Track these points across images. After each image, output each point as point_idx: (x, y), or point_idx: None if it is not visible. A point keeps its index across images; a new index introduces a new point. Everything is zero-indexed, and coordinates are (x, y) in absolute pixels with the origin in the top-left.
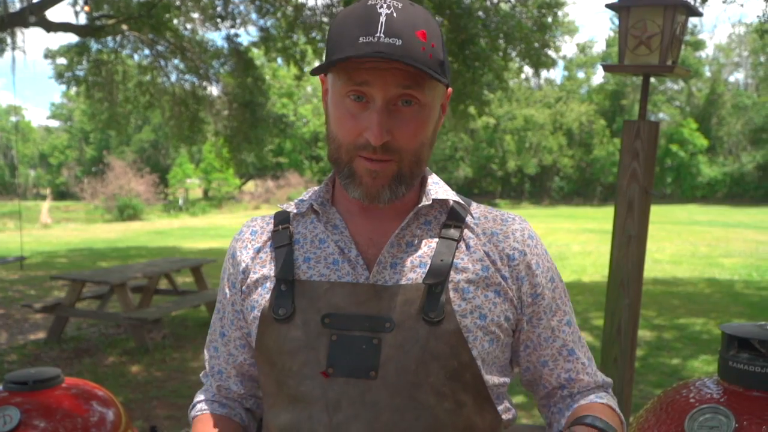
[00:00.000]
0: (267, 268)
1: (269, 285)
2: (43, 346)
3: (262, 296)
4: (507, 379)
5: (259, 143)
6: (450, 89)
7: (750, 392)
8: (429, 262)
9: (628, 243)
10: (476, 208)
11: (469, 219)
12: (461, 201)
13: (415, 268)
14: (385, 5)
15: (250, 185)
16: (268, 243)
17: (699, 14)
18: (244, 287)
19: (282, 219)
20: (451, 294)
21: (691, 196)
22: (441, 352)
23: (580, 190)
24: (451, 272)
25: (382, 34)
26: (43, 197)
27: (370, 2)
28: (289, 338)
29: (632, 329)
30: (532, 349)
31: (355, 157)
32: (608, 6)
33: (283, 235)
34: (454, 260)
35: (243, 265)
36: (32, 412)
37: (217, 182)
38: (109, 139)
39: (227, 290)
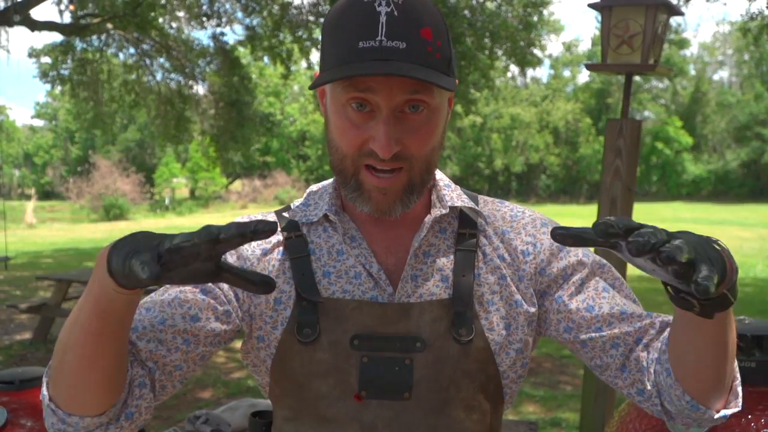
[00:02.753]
0: (282, 280)
1: (286, 300)
2: (29, 346)
3: (279, 312)
4: (523, 376)
5: (246, 142)
6: (456, 80)
7: None
8: (450, 275)
9: None
10: (484, 206)
11: (480, 222)
12: (471, 203)
13: (438, 282)
14: (384, 2)
15: (237, 184)
16: (279, 249)
17: (680, 13)
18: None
19: (291, 225)
20: (477, 308)
21: (677, 193)
22: (471, 369)
23: (567, 188)
24: (474, 285)
25: (383, 37)
26: (28, 197)
27: None
28: (316, 360)
29: None
30: (584, 325)
31: (361, 168)
32: (591, 6)
33: (298, 245)
34: (475, 272)
35: (247, 263)
36: (19, 411)
37: (204, 181)
38: (95, 138)
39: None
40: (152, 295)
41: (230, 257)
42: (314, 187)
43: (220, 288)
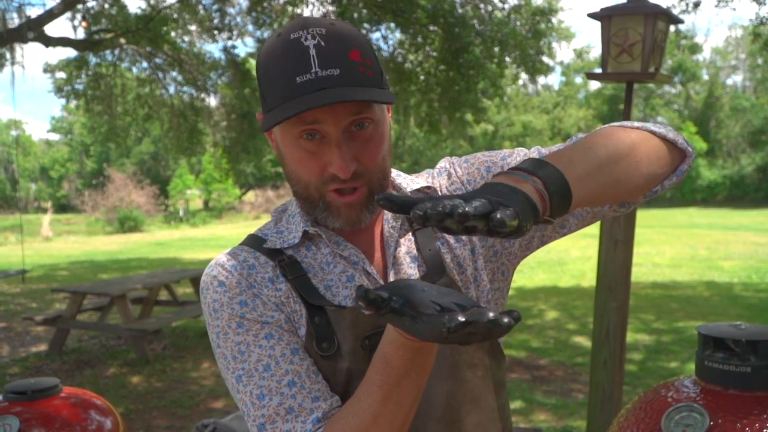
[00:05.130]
0: (291, 301)
1: (298, 319)
2: (45, 358)
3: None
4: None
5: (258, 153)
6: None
7: (726, 390)
8: (417, 254)
9: (615, 247)
10: (426, 186)
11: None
12: (423, 182)
13: (410, 263)
14: (309, 36)
15: (250, 195)
16: (278, 273)
17: (680, 21)
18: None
19: (274, 251)
20: (452, 274)
21: (691, 199)
22: None
23: None
24: (441, 255)
25: (317, 68)
26: (44, 210)
27: (292, 36)
28: (338, 370)
29: (620, 332)
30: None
31: (326, 192)
32: (590, 15)
33: (292, 265)
34: (438, 243)
35: (272, 300)
36: (31, 421)
37: (217, 193)
38: (109, 151)
39: (272, 312)
40: (265, 381)
41: (256, 296)
42: (279, 213)
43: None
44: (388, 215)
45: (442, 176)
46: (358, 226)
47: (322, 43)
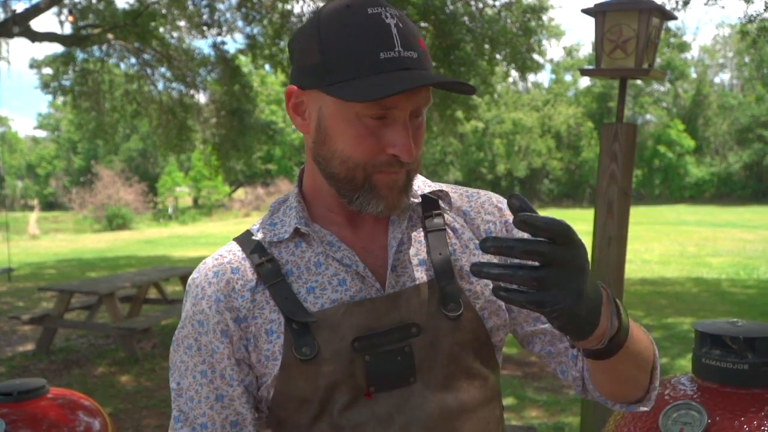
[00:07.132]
0: (267, 310)
1: (277, 328)
2: (32, 357)
3: (273, 342)
4: (503, 341)
5: (248, 150)
6: None
7: (723, 388)
8: (426, 257)
9: (609, 244)
10: (439, 189)
11: (442, 204)
12: (436, 186)
13: (417, 267)
14: (388, 14)
15: (239, 193)
16: (258, 280)
17: (674, 18)
18: (249, 336)
19: (258, 249)
20: (460, 281)
21: (680, 196)
22: (465, 340)
23: (570, 192)
24: (452, 261)
25: (400, 48)
26: (31, 208)
27: (369, 11)
28: (322, 373)
29: None
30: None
31: (373, 173)
32: (584, 11)
33: (271, 270)
34: (450, 248)
35: (242, 312)
36: (18, 423)
37: (207, 190)
38: (97, 148)
39: (218, 343)
40: (185, 415)
41: (223, 311)
42: (278, 204)
43: (241, 363)
44: (408, 211)
45: (456, 190)
46: (396, 211)
47: (401, 25)
